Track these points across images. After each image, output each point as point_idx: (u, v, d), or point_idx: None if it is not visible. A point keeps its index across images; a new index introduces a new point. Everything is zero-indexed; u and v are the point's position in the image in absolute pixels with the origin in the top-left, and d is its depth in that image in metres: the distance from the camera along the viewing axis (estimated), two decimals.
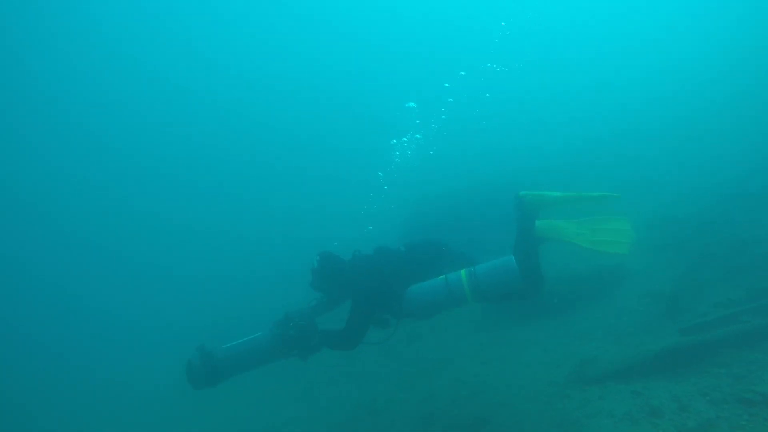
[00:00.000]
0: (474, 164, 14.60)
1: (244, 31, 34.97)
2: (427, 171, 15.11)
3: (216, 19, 33.43)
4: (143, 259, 21.30)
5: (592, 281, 6.99)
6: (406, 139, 13.54)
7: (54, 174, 27.14)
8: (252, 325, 4.02)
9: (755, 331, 4.41)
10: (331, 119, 32.91)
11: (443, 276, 3.80)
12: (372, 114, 28.35)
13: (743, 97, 12.53)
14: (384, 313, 3.97)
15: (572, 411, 4.47)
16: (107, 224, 25.05)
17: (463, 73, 16.26)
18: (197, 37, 33.21)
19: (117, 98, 30.62)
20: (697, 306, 5.33)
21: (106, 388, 9.72)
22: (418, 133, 13.72)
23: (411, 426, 5.13)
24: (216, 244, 21.17)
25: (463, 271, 3.78)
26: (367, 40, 36.19)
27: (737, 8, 20.75)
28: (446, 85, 16.58)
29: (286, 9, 34.70)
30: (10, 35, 24.34)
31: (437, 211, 10.55)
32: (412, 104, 14.95)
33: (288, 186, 26.92)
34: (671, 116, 14.00)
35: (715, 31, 20.52)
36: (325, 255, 4.07)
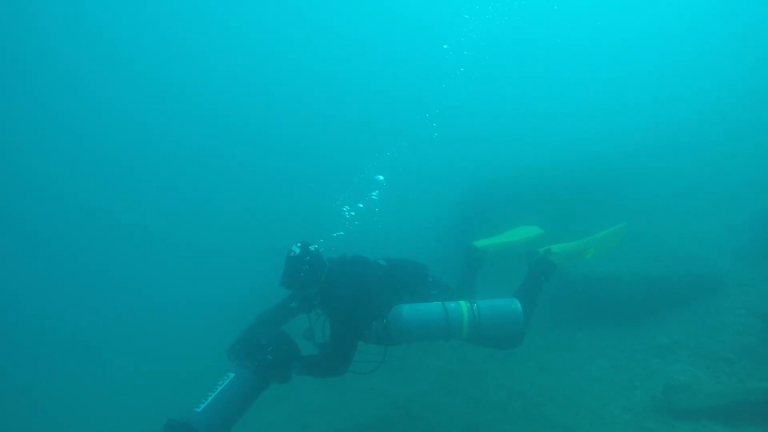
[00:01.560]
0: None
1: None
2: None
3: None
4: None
5: (674, 289, 5.97)
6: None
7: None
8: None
9: None
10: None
11: (440, 302, 3.44)
12: None
13: None
14: (365, 329, 3.56)
15: None
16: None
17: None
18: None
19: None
20: None
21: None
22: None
23: None
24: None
25: (463, 303, 3.44)
26: None
27: None
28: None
29: None
30: None
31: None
32: None
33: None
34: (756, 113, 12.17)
35: None
36: (307, 244, 3.67)
